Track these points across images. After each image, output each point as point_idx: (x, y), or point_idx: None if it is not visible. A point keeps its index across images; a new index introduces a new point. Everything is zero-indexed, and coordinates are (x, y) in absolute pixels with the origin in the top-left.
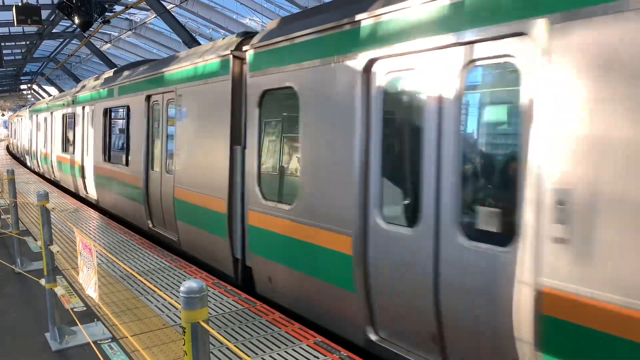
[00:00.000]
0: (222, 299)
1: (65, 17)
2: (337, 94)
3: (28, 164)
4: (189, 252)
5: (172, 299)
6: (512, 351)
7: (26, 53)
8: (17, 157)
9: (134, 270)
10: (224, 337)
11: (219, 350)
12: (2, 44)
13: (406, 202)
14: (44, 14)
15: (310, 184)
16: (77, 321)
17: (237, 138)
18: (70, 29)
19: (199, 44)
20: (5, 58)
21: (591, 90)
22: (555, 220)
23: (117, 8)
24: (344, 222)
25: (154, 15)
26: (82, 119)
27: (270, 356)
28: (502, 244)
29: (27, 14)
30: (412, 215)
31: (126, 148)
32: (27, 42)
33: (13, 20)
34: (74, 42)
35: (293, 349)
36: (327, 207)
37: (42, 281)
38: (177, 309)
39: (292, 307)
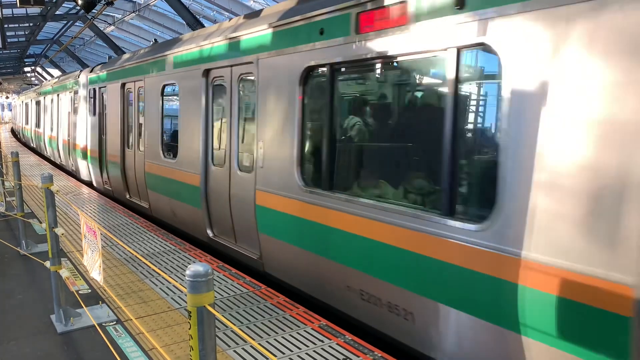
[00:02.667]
0: (227, 282)
1: None
2: (194, 89)
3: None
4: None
5: (176, 281)
6: (253, 226)
7: (30, 35)
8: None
9: (138, 253)
10: (229, 321)
11: (224, 333)
12: (6, 25)
13: (220, 153)
14: None
15: (183, 146)
16: (82, 303)
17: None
18: (74, 11)
19: (202, 26)
20: (8, 40)
21: (269, 92)
22: (260, 157)
23: None
24: (195, 167)
25: None
26: None
27: (275, 339)
28: (250, 172)
29: None
30: (221, 160)
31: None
32: (31, 24)
33: (16, 1)
34: (77, 24)
35: (298, 333)
36: (189, 158)
37: (47, 263)
38: (182, 291)
39: (169, 221)
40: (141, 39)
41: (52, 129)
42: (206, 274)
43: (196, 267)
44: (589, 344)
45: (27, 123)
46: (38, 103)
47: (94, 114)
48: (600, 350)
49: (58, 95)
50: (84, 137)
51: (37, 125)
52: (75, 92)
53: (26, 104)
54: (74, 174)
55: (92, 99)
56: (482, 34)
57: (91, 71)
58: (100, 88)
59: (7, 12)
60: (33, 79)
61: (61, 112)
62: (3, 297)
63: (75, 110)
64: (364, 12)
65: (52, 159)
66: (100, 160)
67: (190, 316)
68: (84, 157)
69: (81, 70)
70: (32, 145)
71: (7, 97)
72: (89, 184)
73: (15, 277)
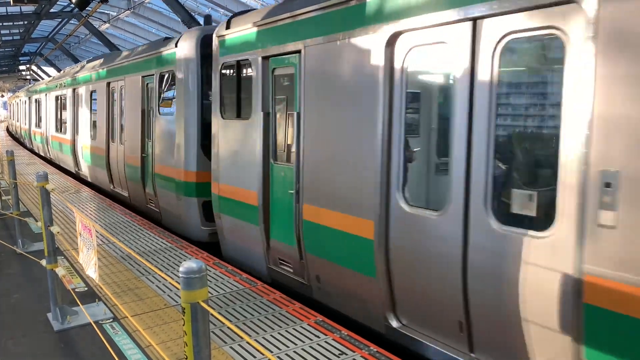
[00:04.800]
0: (223, 278)
1: None
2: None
3: None
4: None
5: (172, 279)
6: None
7: (24, 33)
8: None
9: (134, 251)
10: (225, 317)
11: (220, 330)
12: (0, 24)
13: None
14: None
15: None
16: (78, 301)
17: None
18: (68, 9)
19: (198, 23)
20: (3, 38)
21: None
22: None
23: None
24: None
25: None
26: None
27: (271, 335)
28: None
29: None
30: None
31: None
32: (25, 22)
33: None
34: (72, 22)
35: (294, 329)
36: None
37: (43, 262)
38: (178, 289)
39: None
40: (137, 37)
41: (94, 137)
42: (200, 270)
43: (189, 264)
44: None
45: (38, 126)
46: (59, 98)
47: (239, 114)
48: None
49: (108, 84)
50: (193, 157)
51: (59, 129)
52: (167, 75)
53: (37, 101)
54: (152, 215)
55: (236, 86)
56: None
57: (227, 27)
58: (265, 59)
59: (1, 10)
60: (28, 77)
61: (120, 111)
62: None
63: (162, 109)
64: None
65: (91, 181)
66: (266, 212)
67: (184, 313)
68: (195, 193)
69: (173, 38)
70: (43, 154)
71: (2, 96)
72: (199, 243)
73: (11, 275)
